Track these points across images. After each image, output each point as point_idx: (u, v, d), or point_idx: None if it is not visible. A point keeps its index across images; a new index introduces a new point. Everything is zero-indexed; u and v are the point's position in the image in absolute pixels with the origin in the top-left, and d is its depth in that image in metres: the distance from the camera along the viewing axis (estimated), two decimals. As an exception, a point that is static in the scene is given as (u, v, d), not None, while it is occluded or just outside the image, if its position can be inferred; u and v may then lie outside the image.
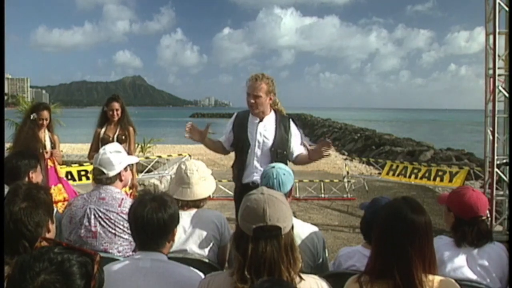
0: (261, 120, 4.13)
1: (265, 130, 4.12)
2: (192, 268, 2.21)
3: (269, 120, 4.15)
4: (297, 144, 4.20)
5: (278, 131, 4.11)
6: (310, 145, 4.17)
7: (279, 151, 4.07)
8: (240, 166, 4.17)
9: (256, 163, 4.06)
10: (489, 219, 6.24)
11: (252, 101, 4.02)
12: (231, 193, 9.58)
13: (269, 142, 4.09)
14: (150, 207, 2.12)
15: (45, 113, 5.58)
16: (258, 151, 4.10)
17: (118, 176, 3.07)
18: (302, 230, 2.73)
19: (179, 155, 12.75)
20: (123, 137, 5.49)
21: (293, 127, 4.20)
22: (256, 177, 3.95)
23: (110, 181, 3.03)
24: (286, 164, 3.78)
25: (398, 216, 1.93)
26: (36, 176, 3.55)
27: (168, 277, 2.09)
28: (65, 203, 4.93)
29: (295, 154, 4.19)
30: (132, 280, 2.07)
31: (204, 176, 3.07)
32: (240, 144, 4.16)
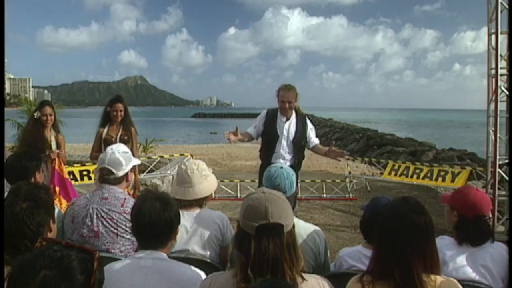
0: (287, 119, 5.32)
1: (289, 127, 5.33)
2: (193, 268, 2.21)
3: (292, 119, 5.35)
4: (313, 135, 5.47)
5: (299, 128, 5.34)
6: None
7: (299, 143, 5.32)
8: (269, 151, 5.35)
9: (282, 151, 5.31)
10: (491, 219, 6.22)
11: (287, 106, 5.20)
12: (233, 193, 9.70)
13: (292, 136, 5.31)
14: (156, 206, 2.14)
15: (48, 109, 5.55)
16: (284, 143, 5.31)
17: (125, 176, 3.08)
18: (304, 230, 2.74)
19: (181, 155, 12.76)
20: (126, 138, 5.50)
21: (309, 123, 5.49)
22: (280, 160, 5.15)
23: (118, 181, 3.04)
24: (304, 153, 5.48)
25: (399, 216, 1.92)
26: (39, 177, 3.57)
27: (169, 276, 2.09)
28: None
29: (312, 144, 5.45)
30: (133, 279, 2.08)
31: (205, 174, 3.08)
32: (271, 136, 5.34)
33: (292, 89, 5.23)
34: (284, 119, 5.33)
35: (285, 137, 5.31)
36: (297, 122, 5.35)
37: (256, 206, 1.82)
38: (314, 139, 5.47)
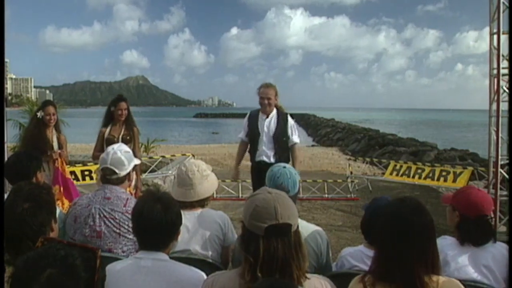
0: (267, 117, 5.57)
1: (269, 124, 5.57)
2: (193, 268, 2.21)
3: (273, 116, 5.59)
4: (293, 134, 5.61)
5: (279, 123, 5.55)
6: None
7: (280, 138, 5.52)
8: (253, 150, 5.68)
9: (264, 148, 5.56)
10: (493, 219, 6.21)
11: (266, 102, 5.50)
12: (235, 193, 9.75)
13: (272, 132, 5.53)
14: (158, 208, 2.14)
15: (51, 108, 5.58)
16: (265, 139, 5.55)
17: (127, 176, 3.08)
18: (306, 230, 2.73)
19: (182, 155, 12.77)
20: (128, 137, 5.52)
21: (290, 120, 5.66)
22: (263, 158, 5.53)
23: (120, 181, 3.04)
24: (288, 151, 5.58)
25: (398, 217, 1.90)
26: (41, 177, 3.57)
27: (168, 276, 2.10)
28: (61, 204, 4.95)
29: (290, 143, 5.59)
30: (133, 279, 2.09)
31: (206, 174, 3.08)
32: (253, 135, 5.66)
33: (271, 86, 5.55)
34: (264, 117, 5.59)
35: (265, 133, 5.54)
36: (278, 118, 5.56)
37: (265, 207, 1.82)
38: (293, 138, 5.60)
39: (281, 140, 5.52)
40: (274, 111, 5.60)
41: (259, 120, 5.61)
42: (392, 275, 1.83)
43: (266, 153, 5.52)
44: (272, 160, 5.43)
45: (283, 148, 5.55)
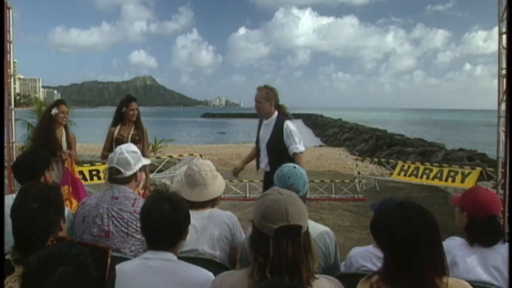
0: (266, 122, 5.22)
1: (266, 129, 5.22)
2: (201, 268, 2.21)
3: (271, 121, 5.17)
4: (291, 142, 4.99)
5: (274, 131, 5.11)
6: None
7: (271, 147, 5.11)
8: (258, 156, 5.39)
9: (262, 154, 5.26)
10: (502, 220, 6.16)
11: (256, 105, 5.18)
12: (242, 193, 9.78)
13: (266, 140, 5.17)
14: (167, 207, 2.15)
15: (64, 107, 5.65)
16: (263, 146, 5.23)
17: (134, 176, 3.09)
18: (314, 230, 2.72)
19: (190, 155, 12.79)
20: (137, 137, 5.55)
21: (287, 127, 5.04)
22: (262, 165, 5.26)
23: (126, 180, 3.05)
24: (289, 157, 4.83)
25: (399, 223, 1.86)
26: (49, 176, 3.59)
27: (176, 277, 2.10)
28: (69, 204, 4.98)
29: (290, 152, 4.97)
30: (140, 279, 2.09)
31: (215, 174, 3.15)
32: (256, 140, 5.44)
33: (262, 89, 5.14)
34: (265, 122, 5.25)
35: (262, 139, 5.27)
36: (274, 125, 5.11)
37: (276, 208, 1.82)
38: (293, 147, 4.98)
39: (274, 149, 5.04)
40: (275, 115, 5.14)
41: (262, 125, 5.31)
42: (399, 279, 1.81)
43: (264, 160, 5.21)
44: (267, 168, 5.12)
45: (282, 157, 4.65)
